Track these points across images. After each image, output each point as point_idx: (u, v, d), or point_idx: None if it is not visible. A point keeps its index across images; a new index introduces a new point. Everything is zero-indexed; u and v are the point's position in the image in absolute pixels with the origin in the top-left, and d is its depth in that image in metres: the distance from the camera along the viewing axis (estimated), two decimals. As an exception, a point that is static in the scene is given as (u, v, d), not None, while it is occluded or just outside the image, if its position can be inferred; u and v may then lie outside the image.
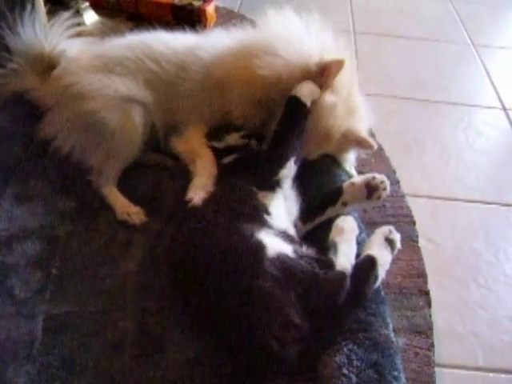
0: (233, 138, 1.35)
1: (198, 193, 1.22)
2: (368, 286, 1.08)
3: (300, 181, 1.30)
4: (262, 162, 1.27)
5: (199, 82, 1.42)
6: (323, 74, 1.29)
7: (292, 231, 1.20)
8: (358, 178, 1.28)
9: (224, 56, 1.41)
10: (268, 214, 1.18)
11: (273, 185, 1.23)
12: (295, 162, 1.25)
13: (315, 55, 1.31)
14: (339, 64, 1.28)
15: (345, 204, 1.26)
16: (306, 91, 1.27)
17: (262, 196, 1.21)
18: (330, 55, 1.31)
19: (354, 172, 1.47)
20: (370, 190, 1.25)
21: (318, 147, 1.36)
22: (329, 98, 1.31)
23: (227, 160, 1.32)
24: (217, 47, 1.44)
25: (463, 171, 1.78)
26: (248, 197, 1.19)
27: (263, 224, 1.14)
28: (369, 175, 1.27)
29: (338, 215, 1.24)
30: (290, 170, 1.24)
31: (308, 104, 1.27)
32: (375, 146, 1.38)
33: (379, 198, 1.26)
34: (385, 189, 1.25)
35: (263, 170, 1.25)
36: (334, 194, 1.27)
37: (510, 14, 2.90)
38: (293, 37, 1.34)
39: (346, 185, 1.27)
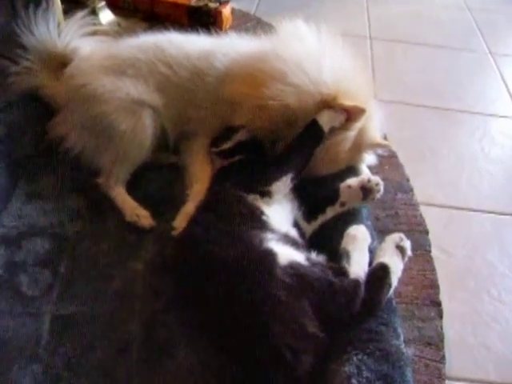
0: (241, 134, 1.35)
1: (182, 222, 1.26)
2: (382, 293, 1.07)
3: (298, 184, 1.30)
4: (258, 169, 1.28)
5: (212, 93, 1.41)
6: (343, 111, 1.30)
7: (293, 233, 1.20)
8: (353, 181, 1.31)
9: (235, 74, 1.39)
10: (264, 215, 1.18)
11: (263, 193, 1.22)
12: (292, 180, 1.25)
13: (328, 82, 1.29)
14: (360, 111, 1.29)
15: (343, 204, 1.30)
16: (326, 118, 1.28)
17: (252, 199, 1.20)
18: (344, 79, 1.31)
19: (366, 170, 1.45)
20: (366, 192, 1.29)
21: (326, 169, 1.37)
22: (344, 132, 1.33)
23: (233, 160, 1.34)
24: (230, 56, 1.42)
25: (478, 181, 1.75)
26: (237, 199, 1.19)
27: (264, 226, 1.14)
28: (364, 177, 1.31)
29: (349, 224, 1.23)
30: (284, 185, 1.24)
31: (326, 130, 1.28)
32: (391, 146, 1.43)
33: (373, 199, 1.31)
34: (379, 191, 1.30)
35: (258, 176, 1.26)
36: (332, 196, 1.30)
37: (527, 23, 2.87)
38: (305, 60, 1.31)
39: (342, 187, 1.30)
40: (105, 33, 1.74)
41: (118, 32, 1.84)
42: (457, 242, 1.53)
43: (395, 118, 1.91)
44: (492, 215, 1.63)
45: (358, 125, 1.32)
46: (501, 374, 1.24)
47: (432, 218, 1.55)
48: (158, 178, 1.46)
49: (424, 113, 2.05)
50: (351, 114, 1.29)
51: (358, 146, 1.37)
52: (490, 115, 2.08)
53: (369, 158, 1.46)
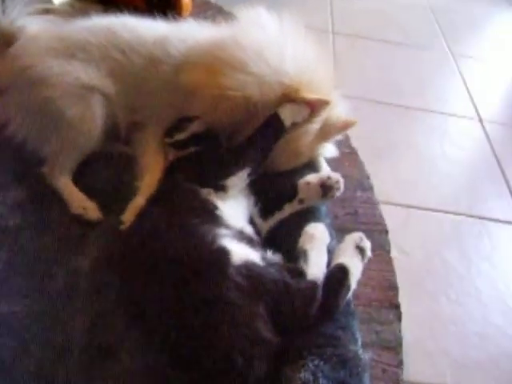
0: (197, 125, 1.29)
1: (131, 216, 1.21)
2: (341, 296, 1.04)
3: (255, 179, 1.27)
4: (213, 162, 1.24)
5: (167, 81, 1.34)
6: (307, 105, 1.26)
7: (248, 230, 1.16)
8: (313, 178, 1.28)
9: (192, 61, 1.32)
10: (218, 210, 1.14)
11: (218, 187, 1.18)
12: (249, 175, 1.22)
13: (291, 72, 1.24)
14: (324, 104, 1.26)
15: (301, 201, 1.28)
16: (288, 112, 1.24)
17: (206, 193, 1.16)
18: (307, 69, 1.27)
19: (324, 164, 1.42)
20: (325, 189, 1.27)
21: (286, 163, 1.33)
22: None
23: (188, 151, 1.28)
24: (187, 43, 1.36)
25: (437, 180, 1.75)
26: (190, 193, 1.16)
27: (217, 222, 1.10)
28: (324, 175, 1.29)
29: (308, 222, 1.20)
30: (240, 180, 1.21)
31: (287, 124, 1.25)
32: (356, 121, 1.36)
33: (333, 197, 1.28)
34: (339, 188, 1.27)
35: (213, 169, 1.22)
36: (290, 192, 1.28)
37: (488, 25, 2.90)
38: (267, 48, 1.26)
39: (301, 184, 1.28)
40: (55, 13, 1.64)
41: (69, 13, 1.74)
42: (415, 242, 1.51)
43: (355, 114, 1.87)
44: (451, 215, 1.62)
45: (320, 118, 1.28)
46: (457, 378, 1.22)
47: (390, 217, 1.53)
48: (106, 169, 1.38)
49: (384, 109, 2.03)
50: (314, 108, 1.25)
51: (320, 139, 1.33)
52: (450, 115, 2.08)
53: (329, 150, 1.41)
